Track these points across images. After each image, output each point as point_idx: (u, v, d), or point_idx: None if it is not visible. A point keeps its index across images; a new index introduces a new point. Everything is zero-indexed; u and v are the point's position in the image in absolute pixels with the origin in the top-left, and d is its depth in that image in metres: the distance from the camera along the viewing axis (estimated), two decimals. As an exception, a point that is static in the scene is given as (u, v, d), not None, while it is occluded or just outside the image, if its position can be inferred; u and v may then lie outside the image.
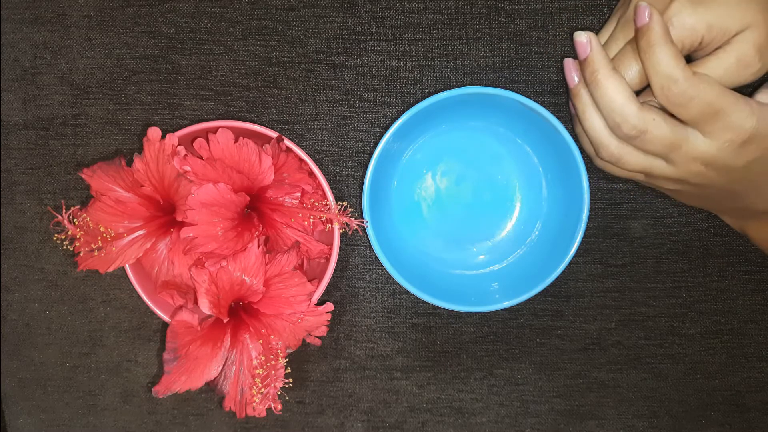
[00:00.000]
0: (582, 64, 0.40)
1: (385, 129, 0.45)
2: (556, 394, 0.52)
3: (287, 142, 0.44)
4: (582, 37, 0.39)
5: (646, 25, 0.37)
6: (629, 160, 0.41)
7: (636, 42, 0.39)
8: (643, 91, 0.42)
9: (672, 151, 0.39)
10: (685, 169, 0.40)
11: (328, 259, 0.45)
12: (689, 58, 0.41)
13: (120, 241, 0.43)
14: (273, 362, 0.43)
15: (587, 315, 0.51)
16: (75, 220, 0.42)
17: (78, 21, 0.49)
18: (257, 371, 0.42)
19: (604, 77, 0.39)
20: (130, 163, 0.43)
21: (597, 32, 0.47)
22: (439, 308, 0.51)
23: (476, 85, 0.48)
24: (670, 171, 0.40)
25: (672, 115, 0.39)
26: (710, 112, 0.37)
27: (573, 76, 0.41)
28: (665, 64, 0.37)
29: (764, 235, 0.46)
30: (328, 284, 0.45)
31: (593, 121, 0.41)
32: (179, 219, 0.42)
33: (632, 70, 0.40)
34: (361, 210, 0.48)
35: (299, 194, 0.44)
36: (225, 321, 0.43)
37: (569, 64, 0.41)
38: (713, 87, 0.37)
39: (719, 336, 0.51)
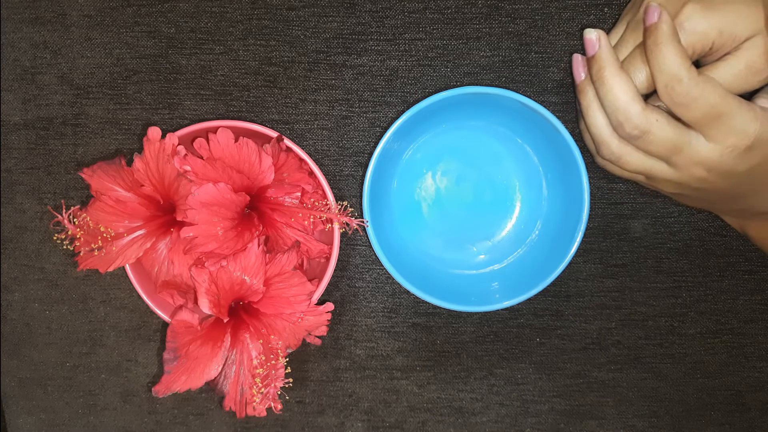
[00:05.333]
0: (589, 61, 0.40)
1: (385, 129, 0.45)
2: (556, 394, 0.52)
3: (287, 142, 0.44)
4: (591, 35, 0.40)
5: (655, 24, 0.37)
6: (629, 160, 0.41)
7: (644, 41, 0.39)
8: (649, 96, 0.42)
9: (674, 154, 0.39)
10: (686, 173, 0.40)
11: (328, 259, 0.45)
12: (697, 64, 0.41)
13: (120, 241, 0.43)
14: (273, 362, 0.43)
15: (587, 315, 0.51)
16: (75, 219, 0.42)
17: (78, 21, 0.49)
18: (257, 371, 0.42)
19: (610, 75, 0.39)
20: (130, 162, 0.43)
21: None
22: (439, 308, 0.51)
23: (476, 84, 0.48)
24: (671, 174, 0.40)
25: (676, 118, 0.39)
26: (714, 114, 0.37)
27: (580, 72, 0.41)
28: (670, 62, 0.37)
29: (765, 235, 0.46)
30: (328, 284, 0.45)
31: (596, 119, 0.41)
32: (179, 219, 0.42)
33: (641, 75, 0.40)
34: (361, 210, 0.48)
35: (299, 194, 0.44)
36: (225, 321, 0.43)
37: (577, 59, 0.41)
38: (717, 89, 0.37)
39: (719, 336, 0.51)
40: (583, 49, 0.41)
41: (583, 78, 0.41)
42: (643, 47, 0.40)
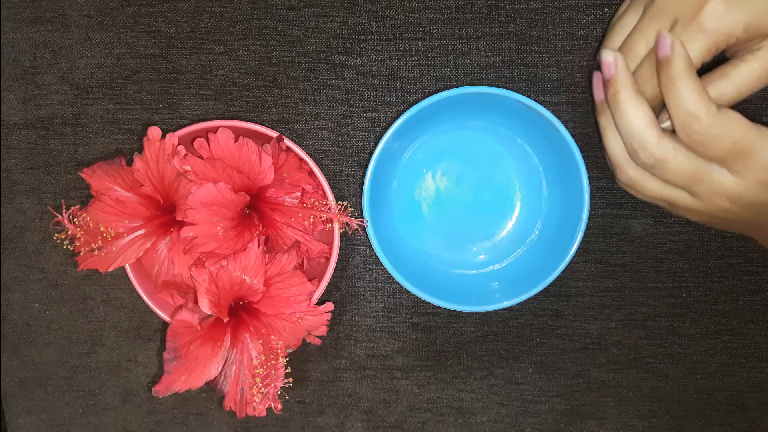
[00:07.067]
0: (606, 84, 0.39)
1: (385, 128, 0.45)
2: (556, 394, 0.52)
3: (287, 142, 0.44)
4: (609, 57, 0.38)
5: (668, 58, 0.36)
6: (645, 186, 0.40)
7: (657, 74, 0.37)
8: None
9: (694, 184, 0.37)
10: (709, 203, 0.38)
11: (328, 259, 0.45)
12: (720, 58, 0.39)
13: (120, 241, 0.43)
14: (273, 362, 0.43)
15: (587, 315, 0.51)
16: (75, 219, 0.42)
17: (78, 21, 0.49)
18: (257, 371, 0.42)
19: (625, 99, 0.37)
20: (130, 162, 0.43)
21: (599, 30, 0.47)
22: (439, 308, 0.51)
23: (476, 84, 0.48)
24: (693, 203, 0.39)
25: None
26: (736, 150, 0.35)
27: (600, 91, 0.40)
28: (687, 99, 0.35)
29: None
30: (329, 284, 0.45)
31: (612, 142, 0.40)
32: (179, 218, 0.42)
33: (651, 87, 0.39)
34: (361, 209, 0.48)
35: (299, 194, 0.44)
36: (225, 321, 0.43)
37: (598, 78, 0.40)
38: (739, 124, 0.35)
39: (719, 336, 0.51)
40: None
41: (602, 99, 0.40)
42: (652, 56, 0.39)
